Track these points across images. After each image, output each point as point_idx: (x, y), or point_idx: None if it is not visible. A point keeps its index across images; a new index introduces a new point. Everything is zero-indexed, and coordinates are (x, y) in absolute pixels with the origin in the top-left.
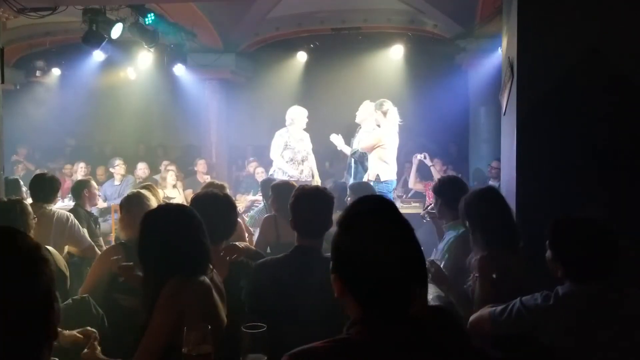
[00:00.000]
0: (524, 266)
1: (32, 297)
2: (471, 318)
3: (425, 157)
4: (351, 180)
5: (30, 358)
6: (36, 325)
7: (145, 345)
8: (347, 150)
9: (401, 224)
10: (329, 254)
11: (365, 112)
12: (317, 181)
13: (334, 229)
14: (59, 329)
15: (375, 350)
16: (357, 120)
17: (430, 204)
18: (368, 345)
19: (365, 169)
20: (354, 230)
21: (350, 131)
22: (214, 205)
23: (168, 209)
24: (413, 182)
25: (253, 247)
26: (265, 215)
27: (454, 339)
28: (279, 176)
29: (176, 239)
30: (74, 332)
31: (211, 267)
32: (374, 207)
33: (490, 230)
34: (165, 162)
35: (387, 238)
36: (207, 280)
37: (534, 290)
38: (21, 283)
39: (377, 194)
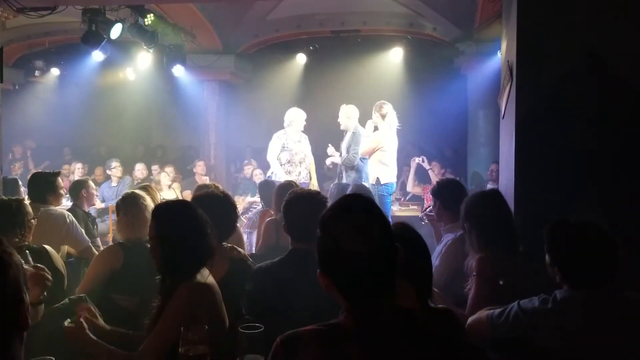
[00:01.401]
0: (522, 269)
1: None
2: (469, 320)
3: (423, 161)
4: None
5: (1, 347)
6: (6, 318)
7: (151, 344)
8: (337, 161)
9: (376, 219)
10: None
11: (343, 117)
12: (314, 184)
13: None
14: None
15: (358, 333)
16: (341, 128)
17: (429, 207)
18: (352, 329)
19: (358, 172)
20: (330, 228)
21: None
22: (215, 205)
23: (179, 204)
24: (411, 186)
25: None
26: (267, 219)
27: (446, 332)
28: (277, 178)
29: (193, 234)
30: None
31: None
32: (349, 205)
33: (490, 231)
34: (154, 167)
35: (360, 233)
36: (212, 279)
37: (531, 294)
38: None
39: (376, 196)
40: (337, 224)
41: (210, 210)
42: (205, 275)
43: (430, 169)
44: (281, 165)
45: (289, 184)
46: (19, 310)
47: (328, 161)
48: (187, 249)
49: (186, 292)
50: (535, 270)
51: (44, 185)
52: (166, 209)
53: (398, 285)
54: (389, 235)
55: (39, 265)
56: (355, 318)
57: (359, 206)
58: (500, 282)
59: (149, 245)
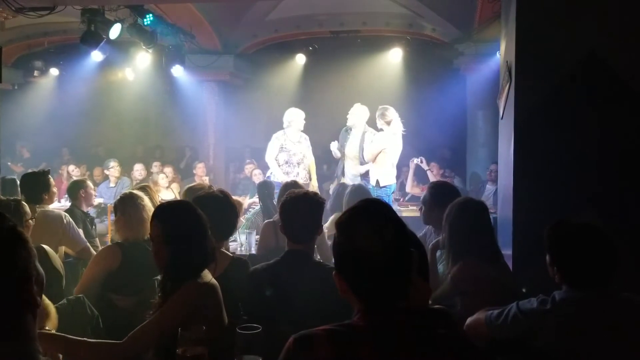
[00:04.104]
0: (498, 278)
1: (10, 272)
2: (467, 321)
3: (422, 162)
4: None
5: (14, 323)
6: (15, 296)
7: (143, 333)
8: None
9: (391, 222)
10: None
11: (356, 117)
12: (314, 185)
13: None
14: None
15: (371, 335)
16: (348, 124)
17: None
18: (365, 330)
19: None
20: (346, 229)
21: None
22: (215, 205)
23: (182, 204)
24: (410, 186)
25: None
26: (265, 222)
27: (449, 332)
28: (275, 179)
29: (197, 234)
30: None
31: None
32: (365, 208)
33: (471, 241)
34: (156, 164)
35: (376, 235)
36: (214, 281)
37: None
38: None
39: (375, 197)
40: (354, 226)
41: (210, 211)
42: (209, 276)
43: (429, 169)
44: (279, 166)
45: (292, 184)
46: (27, 290)
47: (363, 169)
48: (193, 249)
49: (191, 291)
50: (532, 271)
51: (38, 186)
52: (170, 208)
53: (414, 283)
54: (404, 238)
55: None
56: (369, 319)
57: (376, 209)
58: (524, 290)
59: (151, 246)
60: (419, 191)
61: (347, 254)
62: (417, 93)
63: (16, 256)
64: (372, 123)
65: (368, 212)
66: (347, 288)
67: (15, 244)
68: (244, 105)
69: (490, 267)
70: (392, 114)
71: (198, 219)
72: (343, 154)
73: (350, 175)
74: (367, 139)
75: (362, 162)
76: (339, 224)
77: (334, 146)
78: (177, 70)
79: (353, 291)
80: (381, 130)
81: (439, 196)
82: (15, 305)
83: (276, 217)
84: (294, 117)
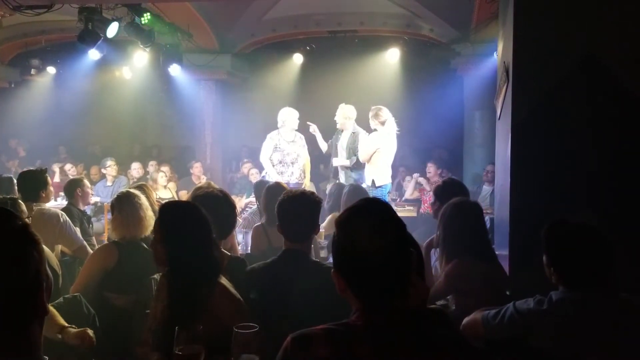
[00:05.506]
0: (489, 278)
1: (22, 277)
2: (464, 321)
3: (420, 176)
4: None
5: (21, 333)
6: (26, 303)
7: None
8: (323, 146)
9: (392, 221)
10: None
11: (341, 117)
12: (306, 184)
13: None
14: (68, 326)
15: (369, 334)
16: (338, 127)
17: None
18: (363, 329)
19: (358, 174)
20: (346, 227)
21: None
22: (214, 205)
23: (189, 205)
24: (410, 194)
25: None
26: (254, 227)
27: (445, 331)
28: (270, 179)
29: (197, 234)
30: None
31: None
32: (365, 207)
33: (464, 240)
34: (152, 163)
35: (376, 234)
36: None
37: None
38: (11, 264)
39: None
40: (353, 225)
41: (210, 210)
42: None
43: (427, 179)
44: (273, 166)
45: (277, 186)
46: (37, 296)
47: (336, 162)
48: (191, 250)
49: (226, 287)
50: (529, 271)
51: (36, 183)
52: (170, 208)
53: (413, 283)
54: (403, 238)
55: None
56: (367, 318)
57: (375, 208)
58: (507, 293)
59: (153, 248)
60: (417, 193)
61: (347, 252)
62: (414, 93)
63: (29, 260)
64: (366, 123)
65: (368, 211)
66: (346, 287)
67: (28, 246)
68: (242, 105)
69: (484, 266)
70: (386, 114)
71: (198, 221)
72: (335, 152)
73: (342, 171)
74: (360, 138)
75: (353, 161)
76: (339, 222)
77: (313, 128)
78: (175, 69)
79: (352, 290)
80: (375, 130)
81: (448, 194)
82: (24, 314)
83: (263, 219)
84: (288, 117)
